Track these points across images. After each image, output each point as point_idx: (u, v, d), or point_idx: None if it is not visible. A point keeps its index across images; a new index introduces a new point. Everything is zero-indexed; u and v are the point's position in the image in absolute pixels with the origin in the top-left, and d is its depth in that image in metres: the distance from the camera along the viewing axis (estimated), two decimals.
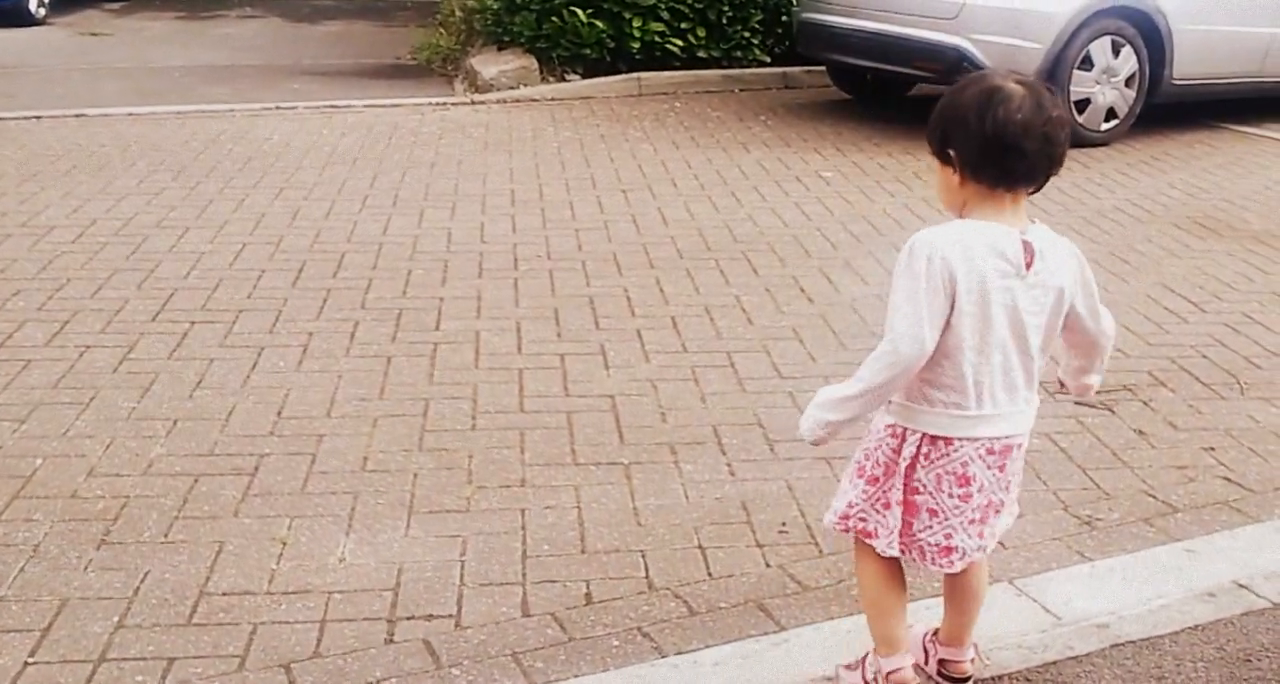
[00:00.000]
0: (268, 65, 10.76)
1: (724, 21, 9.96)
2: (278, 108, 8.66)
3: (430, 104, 9.06)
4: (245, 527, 3.25)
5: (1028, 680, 2.63)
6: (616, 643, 2.78)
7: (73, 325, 4.61)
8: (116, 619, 2.84)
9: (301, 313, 4.80)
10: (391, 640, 2.78)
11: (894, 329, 2.22)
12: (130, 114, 8.32)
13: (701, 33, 9.91)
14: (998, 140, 2.20)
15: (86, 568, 3.04)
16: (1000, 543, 3.14)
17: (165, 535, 3.19)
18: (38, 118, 8.14)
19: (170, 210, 6.11)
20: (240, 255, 5.46)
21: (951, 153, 2.25)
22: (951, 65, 7.84)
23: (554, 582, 3.02)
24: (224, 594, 2.95)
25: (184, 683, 2.63)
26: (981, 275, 2.21)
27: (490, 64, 9.72)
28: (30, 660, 2.69)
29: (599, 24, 9.59)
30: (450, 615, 2.88)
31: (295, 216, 6.08)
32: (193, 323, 4.66)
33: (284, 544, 3.17)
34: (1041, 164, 2.25)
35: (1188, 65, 8.19)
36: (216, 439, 3.74)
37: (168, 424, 3.82)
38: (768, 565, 3.10)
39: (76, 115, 8.23)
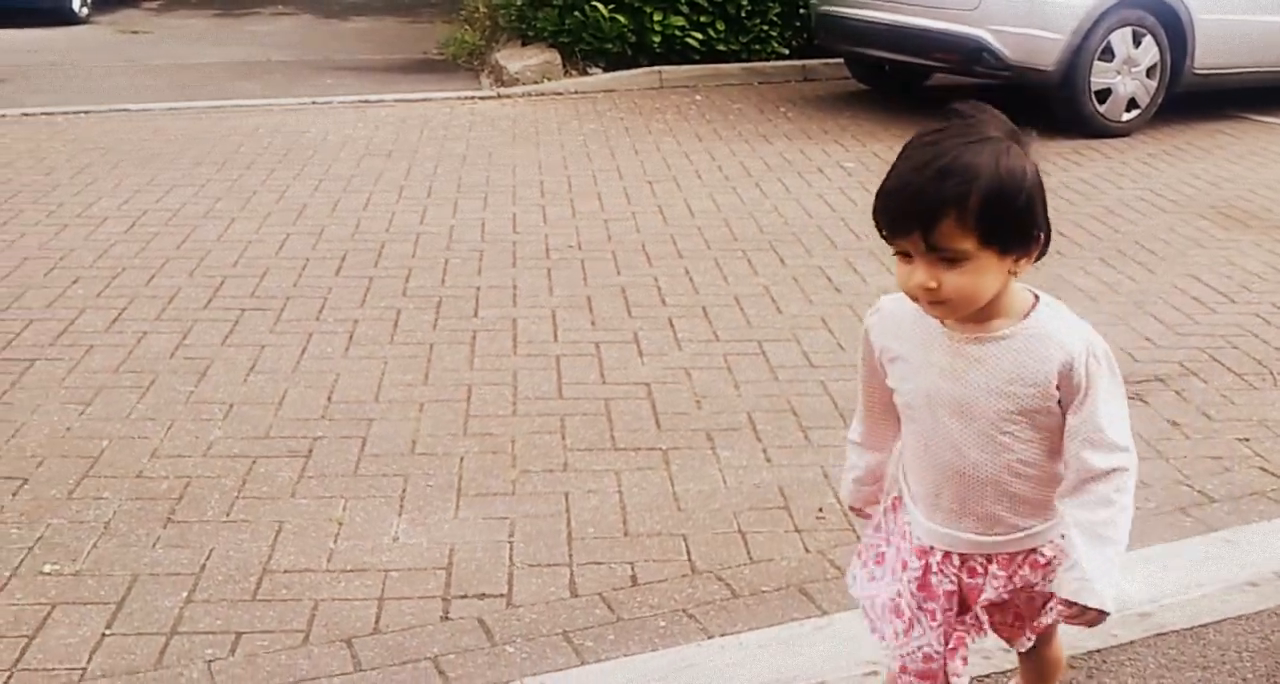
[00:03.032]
0: (301, 61, 10.80)
1: (743, 15, 9.96)
2: (313, 102, 8.70)
3: (459, 98, 9.09)
4: (303, 507, 3.30)
5: (1071, 667, 2.61)
6: (663, 624, 2.82)
7: (129, 312, 4.67)
8: (185, 594, 2.90)
9: (346, 301, 4.85)
10: (447, 618, 2.83)
11: (1124, 444, 1.89)
12: (171, 109, 8.37)
13: (721, 26, 9.91)
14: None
15: (155, 545, 3.10)
16: None
17: (227, 514, 3.25)
18: (85, 113, 8.20)
19: (216, 201, 6.17)
20: (285, 245, 5.51)
21: (1041, 234, 1.84)
22: (971, 56, 7.85)
23: (600, 563, 3.07)
24: (285, 571, 3.00)
25: (252, 656, 2.69)
26: None
27: (515, 59, 9.75)
28: (107, 632, 2.75)
29: (620, 18, 9.61)
30: (502, 595, 2.93)
31: (335, 207, 6.13)
32: (243, 310, 4.72)
33: (340, 524, 3.22)
34: None
35: (1209, 55, 8.13)
36: (271, 422, 3.79)
37: (224, 408, 3.88)
38: (807, 550, 3.14)
39: (121, 110, 8.29)
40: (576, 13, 9.69)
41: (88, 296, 4.83)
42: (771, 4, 10.02)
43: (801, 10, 9.98)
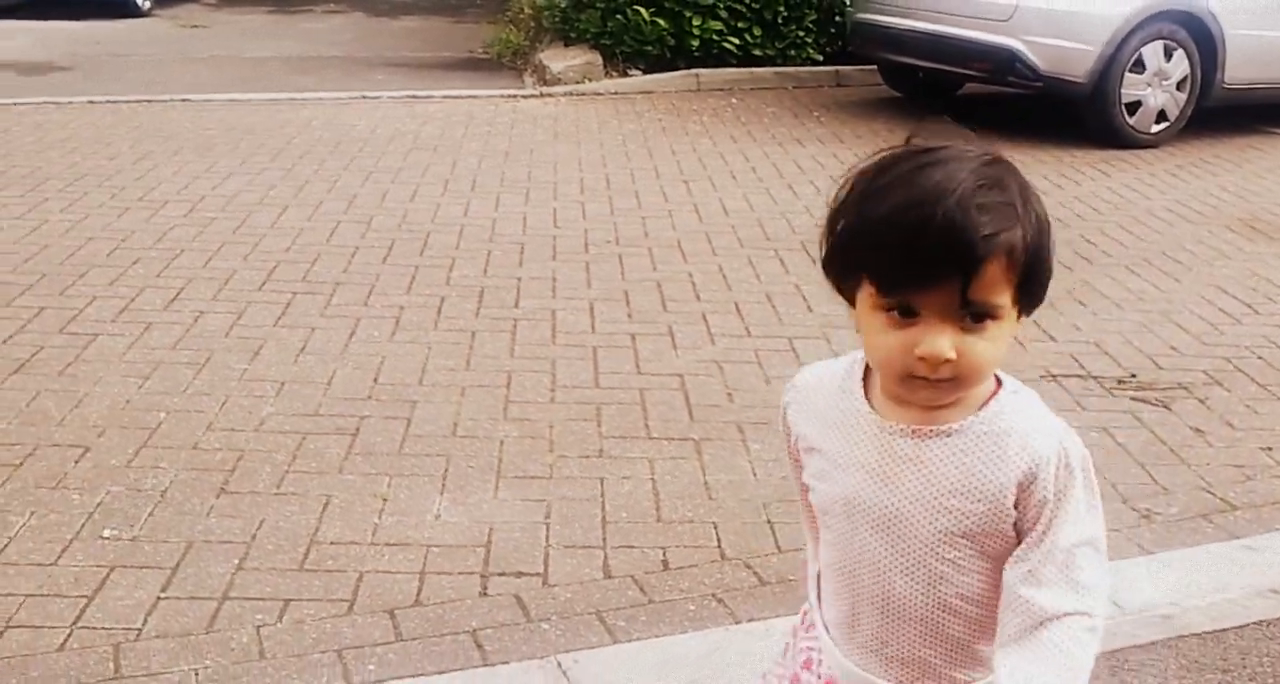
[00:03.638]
0: (351, 57, 10.86)
1: (779, 21, 9.95)
2: (364, 97, 8.75)
3: (503, 96, 9.12)
4: (349, 482, 3.34)
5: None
6: (693, 607, 2.85)
7: (187, 292, 4.72)
8: (237, 562, 2.94)
9: (392, 288, 4.89)
10: (485, 594, 2.87)
11: (1094, 583, 1.39)
12: (230, 100, 8.44)
13: (758, 32, 9.91)
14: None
15: (209, 514, 3.15)
16: None
17: (278, 487, 3.30)
18: (148, 101, 8.27)
19: (270, 189, 6.22)
20: (335, 232, 5.56)
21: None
22: (1003, 66, 7.82)
23: (633, 547, 3.10)
24: (332, 543, 3.05)
25: (299, 622, 2.73)
26: None
27: (557, 59, 9.77)
28: (162, 595, 2.80)
29: (660, 22, 9.61)
30: (538, 574, 2.96)
31: (384, 198, 6.17)
32: (295, 294, 4.76)
33: (385, 500, 3.26)
34: None
35: (1239, 70, 8.06)
36: (320, 401, 3.83)
37: (276, 385, 3.93)
38: None
39: (182, 100, 8.35)
40: (618, 16, 9.70)
41: (148, 276, 4.88)
42: (807, 11, 10.01)
43: (837, 18, 9.96)
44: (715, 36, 9.75)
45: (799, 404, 1.52)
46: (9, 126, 7.45)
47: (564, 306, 4.76)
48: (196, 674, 2.53)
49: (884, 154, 1.37)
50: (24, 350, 4.14)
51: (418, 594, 2.85)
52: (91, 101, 8.20)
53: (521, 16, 11.23)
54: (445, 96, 8.98)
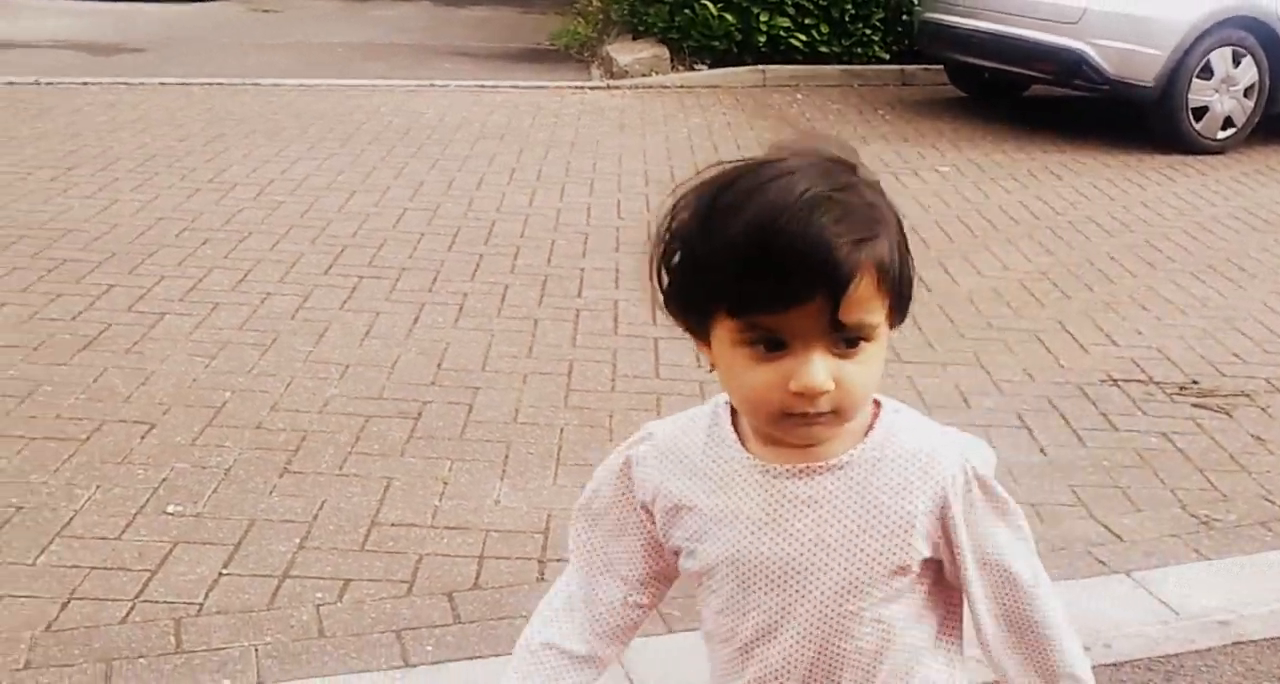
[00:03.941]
0: (421, 45, 10.89)
1: (846, 19, 9.86)
2: (432, 85, 8.77)
3: (570, 87, 9.11)
4: (410, 465, 3.34)
5: (1150, 670, 2.58)
6: None
7: (254, 274, 4.75)
8: (298, 541, 2.95)
9: (457, 274, 4.89)
10: (542, 579, 2.85)
11: (1043, 581, 1.33)
12: (300, 85, 8.48)
13: (825, 29, 9.82)
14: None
15: (271, 493, 3.16)
16: (1118, 536, 3.13)
17: (340, 468, 3.30)
18: (219, 84, 8.34)
19: (338, 174, 6.25)
20: (402, 218, 5.57)
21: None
22: (1070, 68, 7.70)
23: None
24: (393, 525, 3.04)
25: (358, 602, 2.73)
26: None
27: (625, 52, 9.75)
28: (224, 571, 2.81)
29: (728, 17, 9.56)
30: None
31: (450, 186, 6.18)
32: (360, 278, 4.78)
33: (445, 484, 3.26)
34: None
35: None
36: (384, 385, 3.84)
37: (340, 368, 3.94)
38: None
39: (253, 84, 8.41)
40: (686, 10, 9.66)
41: (216, 257, 4.92)
42: (875, 9, 9.90)
43: (904, 17, 9.86)
44: (782, 32, 9.68)
45: (659, 459, 1.31)
46: (81, 106, 7.55)
47: (626, 297, 4.74)
48: (256, 650, 2.54)
49: (722, 169, 1.20)
50: (93, 327, 4.18)
51: (476, 578, 2.84)
52: (163, 83, 8.29)
53: (590, 9, 11.23)
54: (512, 87, 8.98)
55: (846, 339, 1.17)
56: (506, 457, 3.42)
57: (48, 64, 8.84)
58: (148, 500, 3.09)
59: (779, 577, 1.25)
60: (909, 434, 1.26)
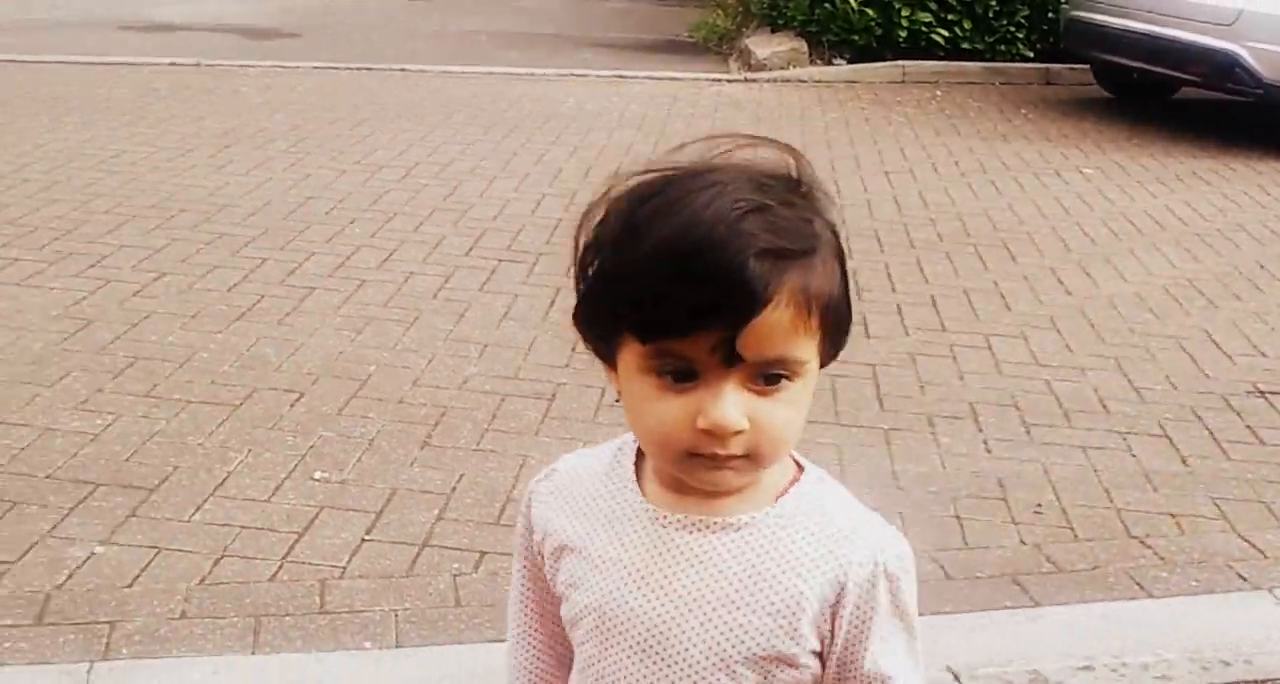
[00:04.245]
0: (561, 35, 11.02)
1: (990, 15, 9.70)
2: (572, 74, 8.87)
3: (707, 79, 9.13)
4: (545, 445, 3.41)
5: None
6: None
7: (399, 254, 4.88)
8: (437, 512, 3.04)
9: None
10: None
11: None
12: (444, 72, 8.66)
13: (968, 25, 9.68)
14: None
15: (412, 464, 3.26)
16: (1261, 551, 3.06)
17: (478, 444, 3.39)
18: (368, 70, 8.56)
19: (480, 160, 6.37)
20: (540, 205, 5.66)
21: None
22: (1222, 71, 7.48)
23: None
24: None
25: (493, 574, 2.80)
26: None
27: (763, 45, 9.73)
28: (366, 537, 2.92)
29: (869, 12, 9.47)
30: None
31: (587, 174, 6.25)
32: (500, 261, 4.87)
33: None
34: None
35: None
36: (520, 365, 3.92)
37: (479, 347, 4.03)
38: (1022, 542, 3.07)
39: (400, 70, 8.61)
40: (826, 4, 9.60)
41: (363, 236, 5.07)
42: (1020, 6, 9.73)
43: (1050, 14, 9.66)
44: (923, 28, 9.56)
45: (555, 495, 1.20)
46: (239, 87, 7.82)
47: None
48: (396, 615, 2.63)
49: (650, 176, 1.07)
50: (247, 299, 4.34)
51: None
52: (316, 67, 8.54)
53: (729, 2, 11.23)
54: (650, 78, 9.04)
55: (766, 375, 1.02)
56: None
57: (209, 46, 9.17)
58: (295, 466, 3.21)
59: (643, 639, 1.11)
60: (824, 508, 1.11)
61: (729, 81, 9.13)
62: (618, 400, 1.11)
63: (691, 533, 1.10)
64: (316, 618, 2.61)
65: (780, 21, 10.02)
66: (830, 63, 9.64)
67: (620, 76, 9.00)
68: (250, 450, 3.29)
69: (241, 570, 2.77)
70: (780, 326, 1.00)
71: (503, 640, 2.55)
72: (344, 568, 2.79)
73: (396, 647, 2.53)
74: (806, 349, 1.03)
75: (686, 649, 1.09)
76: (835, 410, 3.74)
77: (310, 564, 2.80)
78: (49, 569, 2.75)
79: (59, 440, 3.30)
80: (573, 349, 4.07)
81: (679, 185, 1.04)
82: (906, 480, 3.34)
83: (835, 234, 1.06)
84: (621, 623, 1.12)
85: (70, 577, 2.72)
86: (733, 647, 1.08)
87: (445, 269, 4.74)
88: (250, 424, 3.43)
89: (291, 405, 3.55)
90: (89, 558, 2.79)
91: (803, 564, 1.09)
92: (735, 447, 1.04)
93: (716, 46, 10.73)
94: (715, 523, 1.09)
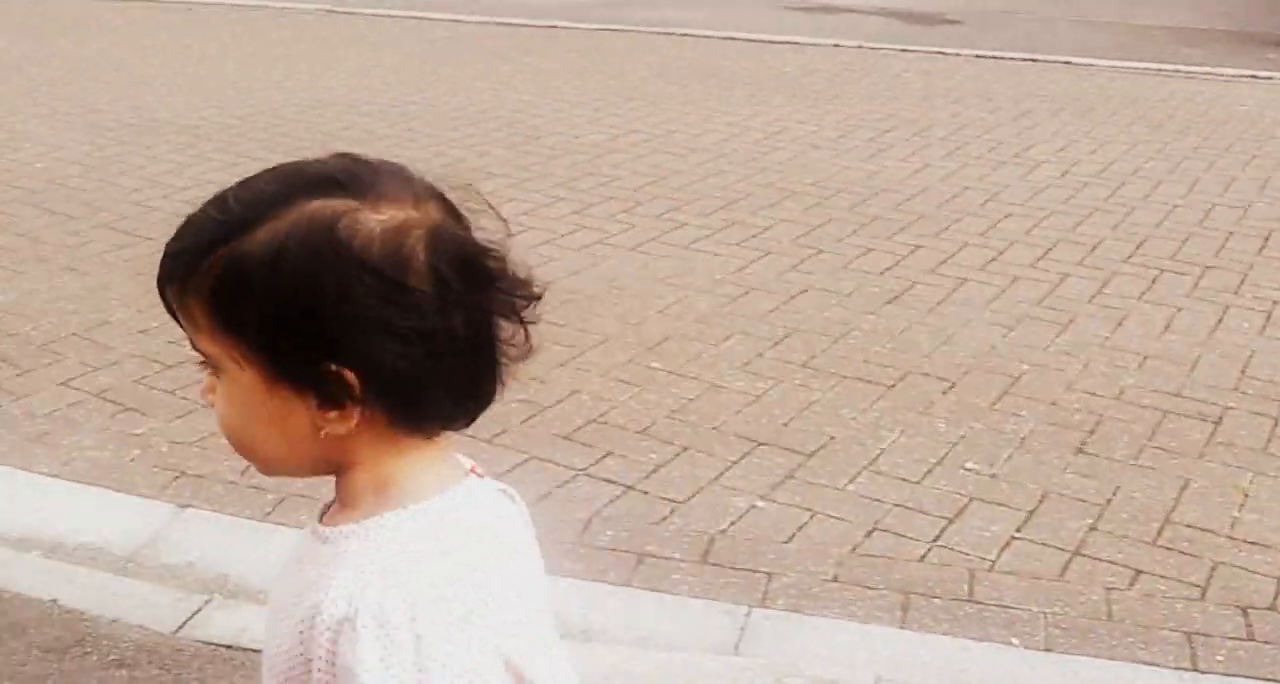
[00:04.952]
0: (1244, 32, 10.24)
1: None
2: (1253, 76, 8.24)
3: None
4: (1209, 469, 3.25)
5: None
6: None
7: (1053, 253, 4.81)
8: (1089, 522, 2.99)
9: (1266, 279, 4.61)
10: None
11: None
12: (1112, 66, 8.36)
13: None
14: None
15: (1065, 469, 3.23)
16: None
17: (1135, 459, 3.29)
18: (1031, 60, 8.48)
19: (1145, 161, 6.11)
20: (1209, 214, 5.34)
21: (346, 371, 0.95)
22: None
23: None
24: (1188, 526, 2.98)
25: (1148, 595, 2.72)
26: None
27: None
28: (1016, 536, 2.93)
29: None
30: None
31: (1265, 185, 5.80)
32: (1161, 270, 4.66)
33: (1245, 495, 3.13)
34: None
35: None
36: (1183, 382, 3.74)
37: (1137, 358, 3.90)
38: None
39: (1064, 62, 8.44)
40: None
41: (1017, 232, 5.05)
42: None
43: None
44: None
45: None
46: (899, 72, 8.04)
47: None
48: (1045, 617, 2.63)
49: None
50: (899, 284, 4.48)
51: (1274, 597, 2.71)
52: (978, 55, 8.58)
53: None
54: None
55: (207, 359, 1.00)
56: None
57: (871, 30, 9.51)
58: (946, 454, 3.29)
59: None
60: (357, 545, 0.97)
61: None
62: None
63: (312, 539, 1.03)
64: (965, 605, 2.67)
65: None
66: None
67: None
68: (902, 431, 3.41)
69: (892, 546, 2.89)
70: (191, 315, 0.98)
71: (1156, 664, 2.49)
72: (993, 561, 2.83)
73: (1045, 650, 2.53)
74: (215, 343, 0.98)
75: (263, 668, 1.03)
76: None
77: (959, 551, 2.86)
78: (714, 514, 3.02)
79: (724, 396, 3.60)
80: (1241, 371, 3.82)
81: (314, 163, 1.00)
82: None
83: (310, 215, 0.95)
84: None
85: (733, 524, 2.98)
86: (270, 666, 1.01)
87: (1103, 273, 4.61)
88: (902, 406, 3.55)
89: (942, 394, 3.63)
90: (750, 509, 3.04)
91: (302, 594, 0.98)
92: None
93: None
94: (324, 532, 1.02)
